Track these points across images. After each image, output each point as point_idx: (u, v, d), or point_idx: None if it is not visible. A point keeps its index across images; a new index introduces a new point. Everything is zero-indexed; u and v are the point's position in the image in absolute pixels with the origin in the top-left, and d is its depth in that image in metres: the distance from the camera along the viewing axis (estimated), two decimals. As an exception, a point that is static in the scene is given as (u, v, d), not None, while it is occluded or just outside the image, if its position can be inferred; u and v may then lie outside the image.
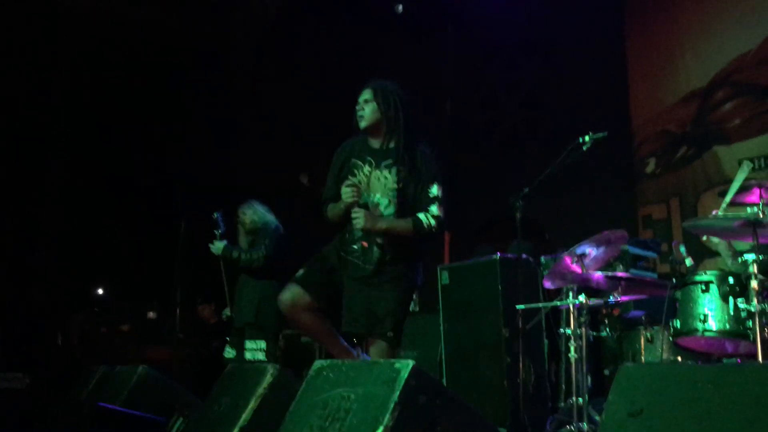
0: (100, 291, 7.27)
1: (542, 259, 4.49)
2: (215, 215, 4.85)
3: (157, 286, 6.75)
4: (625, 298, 3.38)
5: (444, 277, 4.66)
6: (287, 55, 7.76)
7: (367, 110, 3.26)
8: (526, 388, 3.90)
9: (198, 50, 7.78)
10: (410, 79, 7.11)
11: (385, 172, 3.22)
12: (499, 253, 4.29)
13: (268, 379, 2.61)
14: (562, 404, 3.73)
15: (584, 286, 3.32)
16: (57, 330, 6.61)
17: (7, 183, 6.64)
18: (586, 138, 3.51)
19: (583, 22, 6.25)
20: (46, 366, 5.81)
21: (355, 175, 3.28)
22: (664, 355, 3.52)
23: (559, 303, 3.45)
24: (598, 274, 3.26)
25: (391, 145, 3.24)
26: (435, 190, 3.18)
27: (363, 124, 3.27)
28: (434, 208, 3.16)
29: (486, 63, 7.27)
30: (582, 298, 3.23)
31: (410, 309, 5.88)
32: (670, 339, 3.34)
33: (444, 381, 4.45)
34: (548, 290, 4.35)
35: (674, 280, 3.39)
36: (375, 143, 3.29)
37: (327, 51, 7.48)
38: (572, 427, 3.12)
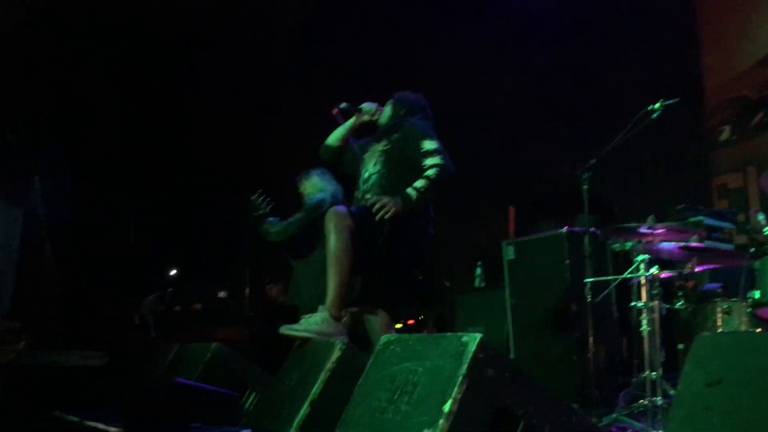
0: (173, 273, 7.49)
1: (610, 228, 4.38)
2: (256, 197, 4.78)
3: (226, 266, 6.92)
4: (700, 268, 3.26)
5: (509, 252, 4.61)
6: (332, 29, 7.74)
7: (383, 115, 3.65)
8: (596, 363, 3.83)
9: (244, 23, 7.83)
10: (465, 57, 7.05)
11: (380, 144, 3.54)
12: (566, 227, 4.21)
13: (336, 354, 2.64)
14: (635, 379, 3.64)
15: (656, 257, 3.22)
16: (133, 310, 6.86)
17: (81, 170, 6.89)
18: (657, 105, 3.39)
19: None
20: (124, 344, 6.05)
21: (364, 154, 3.63)
22: (742, 328, 3.39)
23: (630, 275, 3.35)
24: (671, 245, 3.16)
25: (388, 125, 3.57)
26: (427, 144, 3.33)
27: (381, 121, 3.65)
28: (429, 161, 3.28)
29: (547, 32, 7.09)
30: (654, 269, 3.14)
31: (476, 285, 5.91)
32: (749, 310, 3.22)
33: (511, 357, 4.42)
34: (618, 263, 4.25)
35: (752, 249, 3.26)
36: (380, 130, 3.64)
37: (375, 29, 7.42)
38: (646, 401, 3.05)
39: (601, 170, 3.60)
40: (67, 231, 6.21)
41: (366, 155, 3.62)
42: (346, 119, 3.73)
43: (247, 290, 6.09)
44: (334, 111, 3.70)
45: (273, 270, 7.16)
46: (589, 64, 6.68)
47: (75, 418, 3.99)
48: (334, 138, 3.74)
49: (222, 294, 7.00)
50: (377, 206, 3.14)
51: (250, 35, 7.83)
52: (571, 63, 6.77)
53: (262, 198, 4.70)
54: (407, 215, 3.25)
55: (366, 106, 3.67)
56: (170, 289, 7.24)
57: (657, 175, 5.81)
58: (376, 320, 3.39)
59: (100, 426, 3.71)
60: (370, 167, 3.51)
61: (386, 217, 3.14)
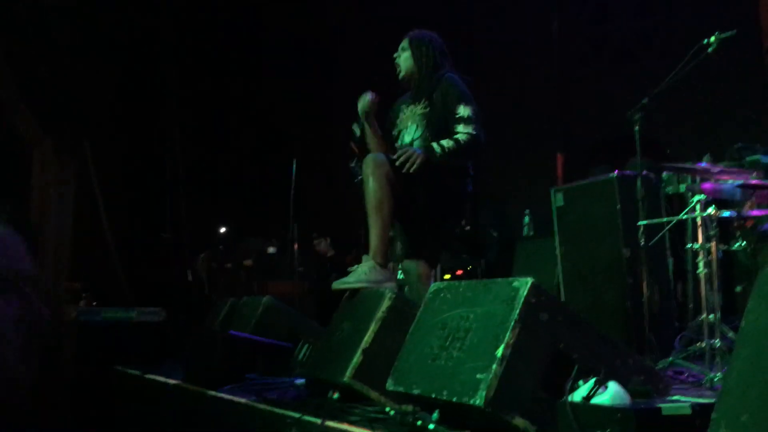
0: (223, 230, 7.64)
1: (664, 174, 4.26)
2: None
3: (275, 223, 7.00)
4: (760, 209, 3.15)
5: (558, 199, 4.53)
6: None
7: (402, 59, 3.50)
8: (650, 308, 3.76)
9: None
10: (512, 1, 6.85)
11: (418, 103, 3.42)
12: (616, 171, 4.11)
13: (386, 303, 2.65)
14: (691, 323, 3.57)
15: (712, 197, 3.12)
16: (187, 267, 7.03)
17: (134, 137, 7.02)
18: (712, 39, 3.23)
19: None
20: (180, 300, 6.22)
21: (399, 117, 3.53)
22: (805, 268, 3.28)
23: (685, 216, 3.25)
24: (728, 184, 3.05)
25: (427, 82, 3.43)
26: (462, 110, 3.26)
27: (401, 74, 3.53)
28: (461, 128, 3.23)
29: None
30: (711, 210, 3.04)
31: (525, 233, 5.85)
32: (812, 251, 3.10)
33: (563, 304, 4.39)
34: (672, 206, 4.14)
35: (816, 187, 3.12)
36: (414, 84, 3.50)
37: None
38: (704, 344, 2.99)
39: (654, 110, 3.47)
40: (120, 192, 6.35)
41: (403, 116, 3.53)
42: (363, 136, 3.56)
43: (296, 245, 6.16)
44: (354, 150, 3.60)
45: (320, 225, 7.23)
46: (641, 2, 6.43)
47: (136, 372, 4.14)
48: (372, 147, 3.53)
49: (272, 250, 7.11)
50: (402, 159, 3.11)
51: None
52: (623, 2, 6.52)
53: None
54: (444, 170, 3.22)
55: (360, 106, 3.44)
56: (221, 247, 7.39)
57: (712, 113, 5.59)
58: (417, 270, 3.39)
59: (160, 379, 3.84)
60: (412, 131, 3.43)
61: (412, 170, 3.10)
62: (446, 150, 3.19)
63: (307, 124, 7.82)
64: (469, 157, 3.36)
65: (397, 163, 3.10)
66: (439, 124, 3.33)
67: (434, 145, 3.20)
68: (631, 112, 3.46)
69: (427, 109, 3.39)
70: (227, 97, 8.09)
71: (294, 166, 5.83)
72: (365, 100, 3.42)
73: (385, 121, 3.65)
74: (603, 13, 6.92)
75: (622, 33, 6.70)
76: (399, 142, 3.50)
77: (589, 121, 6.38)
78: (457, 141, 3.20)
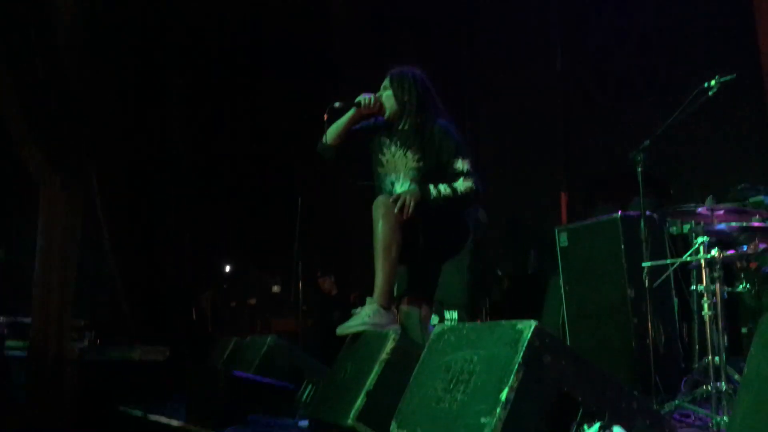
0: (228, 268, 7.64)
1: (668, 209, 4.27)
2: None
3: (280, 261, 7.01)
4: (762, 246, 3.15)
5: (563, 239, 4.54)
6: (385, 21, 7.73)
7: (385, 97, 3.38)
8: (656, 349, 3.74)
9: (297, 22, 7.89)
10: (517, 37, 6.95)
11: (408, 153, 3.31)
12: (620, 211, 4.12)
13: (390, 344, 2.64)
14: (696, 365, 3.55)
15: (716, 239, 3.13)
16: (191, 305, 7.02)
17: (136, 171, 7.06)
18: (713, 82, 3.27)
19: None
20: (184, 339, 6.19)
21: (383, 153, 3.40)
22: (810, 310, 3.27)
23: (689, 258, 3.26)
24: (732, 225, 3.06)
25: (412, 124, 3.31)
26: (459, 164, 3.19)
27: (386, 112, 3.38)
28: (460, 183, 3.16)
29: (595, 10, 6.92)
30: (715, 251, 3.04)
31: (528, 271, 5.84)
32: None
33: (567, 344, 4.36)
34: (676, 247, 4.14)
35: (819, 229, 3.13)
36: (398, 126, 3.36)
37: (425, 10, 7.37)
38: (709, 387, 2.97)
39: (657, 151, 3.50)
40: (126, 229, 6.37)
41: (390, 156, 3.38)
42: (335, 116, 3.41)
43: (300, 284, 6.16)
44: (325, 117, 3.36)
45: (325, 263, 7.24)
46: (644, 42, 6.51)
47: (138, 413, 4.11)
48: (332, 135, 3.39)
49: (276, 288, 7.11)
50: (399, 205, 3.06)
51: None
52: (626, 41, 6.60)
53: None
54: (447, 212, 3.19)
55: (362, 97, 3.36)
56: (225, 285, 7.39)
57: (715, 154, 5.63)
58: (415, 313, 3.36)
59: (163, 420, 3.81)
60: (406, 185, 3.30)
61: (407, 215, 3.06)
62: (441, 195, 3.14)
63: (312, 162, 7.87)
64: (464, 207, 3.28)
65: (396, 210, 3.06)
66: (432, 179, 3.23)
67: (431, 186, 3.16)
68: (633, 154, 3.49)
69: (420, 163, 3.29)
70: (234, 135, 8.17)
71: (299, 204, 5.87)
72: (371, 99, 3.34)
73: (363, 142, 3.52)
74: (606, 51, 7.01)
75: (625, 71, 6.78)
76: (387, 187, 3.41)
77: (593, 159, 6.41)
78: (454, 190, 3.15)
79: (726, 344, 3.11)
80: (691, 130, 4.44)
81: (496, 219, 6.39)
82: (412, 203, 3.07)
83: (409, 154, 3.32)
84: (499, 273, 6.17)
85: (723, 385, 2.93)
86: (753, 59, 5.72)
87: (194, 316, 6.98)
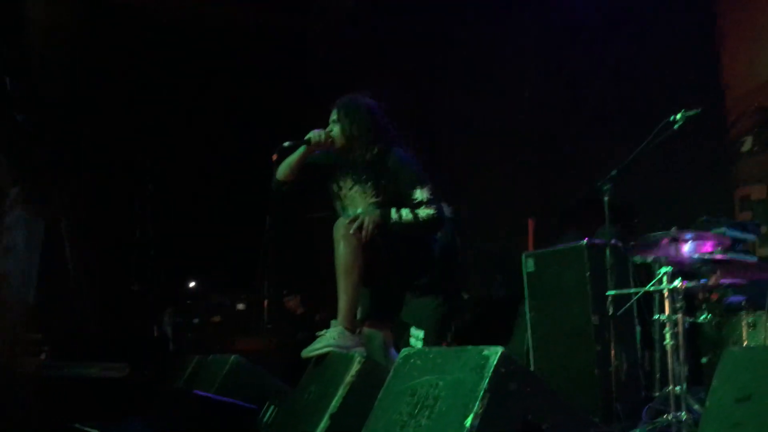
0: (191, 285, 7.53)
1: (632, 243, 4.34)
2: None
3: (245, 279, 6.93)
4: (724, 281, 3.22)
5: (529, 265, 4.57)
6: (365, 46, 7.78)
7: (334, 132, 3.29)
8: (618, 376, 3.77)
9: (278, 42, 7.91)
10: (489, 65, 7.04)
11: (364, 187, 3.26)
12: (586, 239, 4.17)
13: (355, 367, 2.63)
14: (658, 393, 3.59)
15: (679, 269, 3.18)
16: (153, 322, 6.90)
17: (104, 189, 6.98)
18: (678, 116, 3.36)
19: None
20: (144, 356, 6.07)
21: (341, 188, 3.36)
22: (769, 342, 3.34)
23: (652, 288, 3.31)
24: (694, 257, 3.12)
25: (365, 158, 3.24)
26: (418, 193, 3.15)
27: (337, 145, 3.30)
28: (422, 210, 3.13)
29: (567, 41, 7.06)
30: (677, 282, 3.09)
31: (495, 297, 5.86)
32: (775, 324, 3.16)
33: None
34: (640, 276, 4.20)
35: (777, 262, 3.21)
36: (352, 158, 3.29)
37: (401, 38, 7.44)
38: (670, 417, 3.00)
39: (623, 181, 3.56)
40: (88, 244, 6.26)
41: (347, 190, 3.35)
42: (287, 154, 3.36)
43: (266, 302, 6.10)
44: (274, 157, 3.32)
45: (291, 282, 7.18)
46: (614, 74, 6.65)
47: (95, 431, 4.01)
48: (283, 172, 3.37)
49: (241, 306, 7.02)
50: (356, 225, 3.04)
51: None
52: (596, 73, 6.74)
53: None
54: (409, 237, 3.17)
55: (312, 134, 3.28)
56: (189, 302, 7.28)
57: (679, 186, 5.75)
58: (378, 337, 3.34)
59: (120, 438, 3.72)
60: (360, 210, 3.24)
61: (365, 238, 3.04)
62: (402, 221, 3.12)
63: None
64: (426, 233, 3.25)
65: (351, 231, 3.03)
66: (395, 203, 3.20)
67: (392, 210, 3.13)
68: (600, 183, 3.55)
69: (379, 198, 3.23)
70: (199, 154, 8.10)
71: (267, 222, 5.82)
72: (321, 135, 3.25)
73: (320, 176, 3.49)
74: (576, 81, 7.14)
75: (594, 101, 6.91)
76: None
77: (561, 186, 6.50)
78: (416, 216, 3.12)
79: (687, 374, 3.16)
80: (656, 161, 4.53)
81: (463, 243, 6.43)
82: (371, 225, 3.05)
83: (367, 189, 3.28)
84: (465, 297, 6.19)
85: (683, 415, 2.96)
86: (718, 96, 5.89)
87: (155, 333, 6.86)
